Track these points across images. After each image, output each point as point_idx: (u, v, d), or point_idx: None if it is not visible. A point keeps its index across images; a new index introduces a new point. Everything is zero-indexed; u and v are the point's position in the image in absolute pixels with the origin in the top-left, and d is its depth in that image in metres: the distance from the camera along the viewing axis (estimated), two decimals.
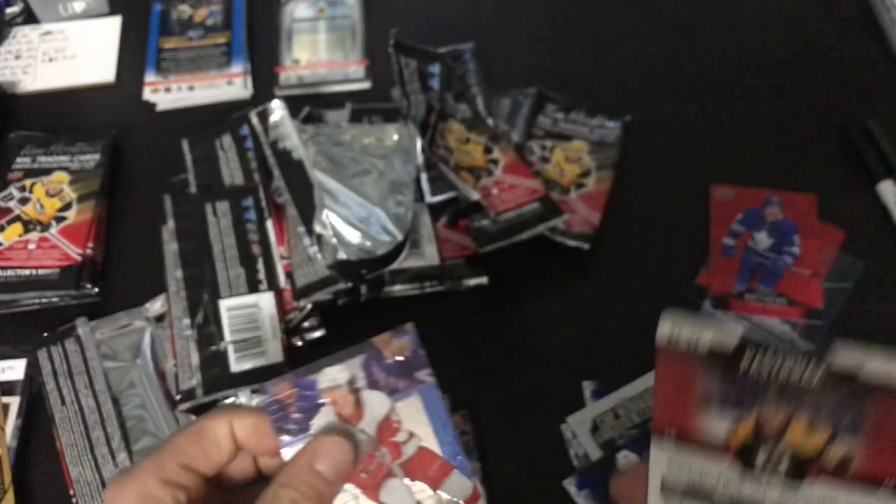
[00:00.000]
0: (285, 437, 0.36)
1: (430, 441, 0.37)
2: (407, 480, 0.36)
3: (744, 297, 0.60)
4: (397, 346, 0.38)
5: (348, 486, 0.36)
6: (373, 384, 0.37)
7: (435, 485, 0.36)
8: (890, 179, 0.65)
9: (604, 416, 0.55)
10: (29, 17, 0.78)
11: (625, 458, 0.54)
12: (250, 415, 0.35)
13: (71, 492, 0.54)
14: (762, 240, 0.63)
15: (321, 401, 0.37)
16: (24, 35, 0.77)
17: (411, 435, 0.37)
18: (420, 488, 0.36)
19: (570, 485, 0.53)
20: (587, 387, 0.57)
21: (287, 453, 0.36)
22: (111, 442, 0.55)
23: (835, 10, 0.77)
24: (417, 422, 0.37)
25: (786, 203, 0.64)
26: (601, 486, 0.53)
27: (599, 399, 0.56)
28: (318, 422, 0.37)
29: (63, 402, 0.56)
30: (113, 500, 0.32)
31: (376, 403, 0.37)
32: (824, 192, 0.65)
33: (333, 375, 0.38)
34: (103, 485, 0.54)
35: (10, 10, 0.77)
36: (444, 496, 0.36)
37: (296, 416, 0.37)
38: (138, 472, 0.33)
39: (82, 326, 0.59)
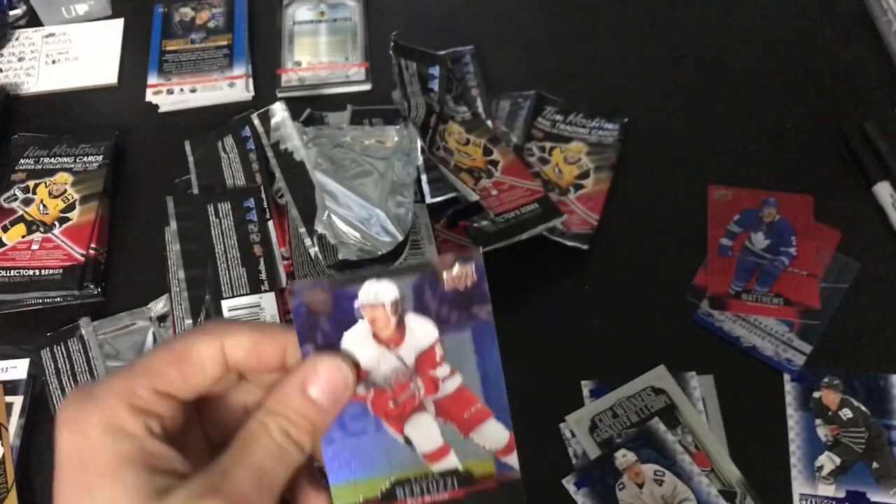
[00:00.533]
0: (309, 347, 0.31)
1: (473, 383, 0.33)
2: (439, 419, 0.33)
3: (741, 298, 0.60)
4: (459, 273, 0.33)
5: (372, 413, 0.32)
6: (421, 310, 0.33)
7: (468, 429, 0.33)
8: (886, 181, 0.65)
9: (602, 415, 0.56)
10: (32, 20, 0.78)
11: (623, 456, 0.54)
12: (248, 332, 0.30)
13: None
14: (759, 240, 0.63)
15: (358, 316, 0.32)
16: (27, 37, 0.77)
17: (453, 371, 0.33)
18: (450, 429, 0.33)
19: (568, 483, 0.53)
20: (586, 386, 0.58)
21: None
22: None
23: (832, 13, 0.78)
24: (464, 361, 0.33)
25: (783, 204, 0.65)
26: (599, 484, 0.53)
27: (598, 398, 0.57)
28: (350, 338, 0.32)
29: None
30: (71, 424, 0.27)
31: (421, 331, 0.33)
32: (821, 194, 0.65)
33: (377, 291, 0.33)
34: None
35: (13, 13, 0.78)
36: (476, 442, 0.33)
37: (326, 327, 0.32)
38: (104, 395, 0.27)
39: (85, 326, 0.59)
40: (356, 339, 0.32)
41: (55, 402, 0.57)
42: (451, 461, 0.33)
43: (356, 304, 0.32)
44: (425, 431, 0.33)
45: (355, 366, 0.31)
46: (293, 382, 0.29)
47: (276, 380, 0.30)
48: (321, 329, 0.32)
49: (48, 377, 0.58)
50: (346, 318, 0.32)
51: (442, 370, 0.33)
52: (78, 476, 0.27)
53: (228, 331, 0.29)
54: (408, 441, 0.33)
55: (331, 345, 0.31)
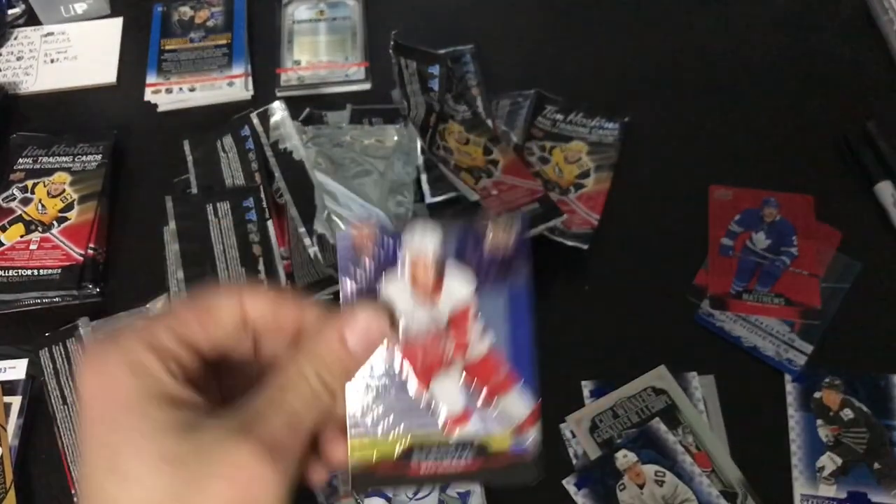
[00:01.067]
0: (348, 281, 0.32)
1: (503, 348, 0.33)
2: (465, 384, 0.33)
3: (742, 298, 0.60)
4: (503, 236, 0.33)
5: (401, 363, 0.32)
6: (462, 265, 0.33)
7: (493, 395, 0.33)
8: (887, 181, 0.65)
9: (603, 416, 0.56)
10: (31, 19, 0.78)
11: (624, 456, 0.54)
12: (268, 294, 0.30)
13: (73, 491, 0.54)
14: (760, 240, 0.63)
15: (400, 261, 0.32)
16: (25, 36, 0.77)
17: (485, 334, 0.33)
18: (474, 398, 0.33)
19: (569, 483, 0.53)
20: (586, 386, 0.57)
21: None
22: None
23: (833, 13, 0.77)
24: (497, 324, 0.33)
25: (784, 204, 0.65)
26: (600, 484, 0.53)
27: (598, 398, 0.57)
28: (389, 283, 0.33)
29: (65, 402, 0.57)
30: (94, 365, 0.28)
31: (458, 285, 0.33)
32: (822, 194, 0.65)
33: (423, 238, 0.33)
34: None
35: (11, 12, 0.78)
36: (497, 413, 0.33)
37: (367, 265, 0.32)
38: (126, 338, 0.28)
39: (84, 326, 0.59)
40: (394, 285, 0.32)
41: (54, 403, 0.57)
42: (471, 429, 0.32)
43: (400, 249, 0.32)
44: (450, 391, 0.32)
45: (390, 313, 0.32)
46: (332, 328, 0.30)
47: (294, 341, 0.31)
48: (363, 265, 0.32)
49: (46, 378, 0.58)
50: (388, 259, 0.32)
51: (474, 331, 0.33)
52: (104, 413, 0.27)
53: (249, 291, 0.30)
54: (430, 404, 0.32)
55: (369, 283, 0.32)
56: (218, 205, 0.62)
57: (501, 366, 0.33)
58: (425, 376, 0.33)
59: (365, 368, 0.32)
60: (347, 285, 0.32)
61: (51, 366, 0.58)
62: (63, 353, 0.58)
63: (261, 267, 0.59)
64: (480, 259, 0.33)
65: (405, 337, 0.33)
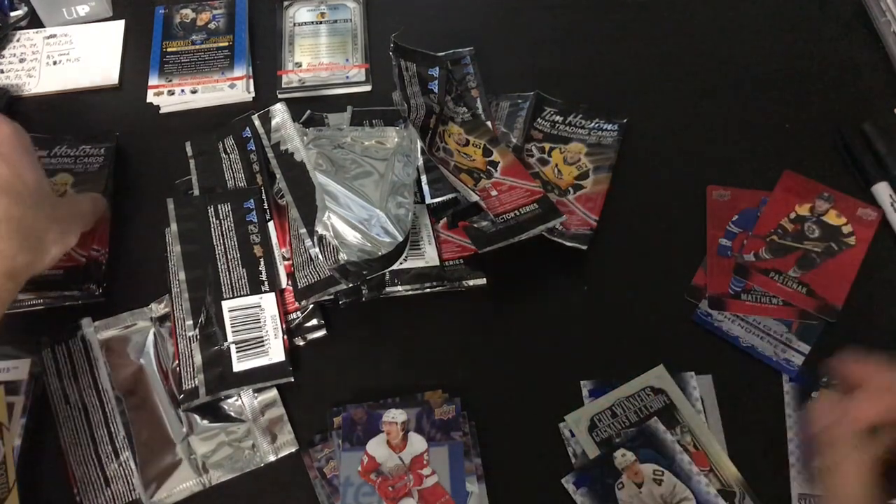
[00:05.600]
0: (347, 445, 0.54)
1: (445, 482, 0.52)
2: (418, 503, 0.51)
3: (740, 298, 0.61)
4: (445, 409, 0.55)
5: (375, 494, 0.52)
6: (419, 429, 0.54)
7: None
8: (885, 181, 0.65)
9: (601, 415, 0.56)
10: (33, 21, 0.79)
11: (622, 455, 0.54)
12: None
13: (74, 490, 0.54)
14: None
15: (381, 429, 0.54)
16: (28, 38, 0.77)
17: (433, 472, 0.52)
18: None
19: (568, 482, 0.54)
20: (585, 385, 0.58)
21: (346, 459, 0.53)
22: (115, 440, 0.55)
23: (830, 14, 0.78)
24: (441, 465, 0.53)
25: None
26: (599, 483, 0.53)
27: (597, 398, 0.57)
28: (373, 442, 0.54)
29: (67, 402, 0.57)
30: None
31: (417, 442, 0.54)
32: None
33: (394, 415, 0.55)
34: (107, 483, 0.54)
35: (14, 14, 0.78)
36: None
37: (359, 433, 0.54)
38: None
39: (86, 327, 0.59)
40: (375, 443, 0.54)
41: (57, 402, 0.57)
42: None
43: (380, 421, 0.55)
44: None
45: (373, 459, 0.53)
46: None
47: None
48: (357, 433, 0.54)
49: (49, 377, 0.58)
50: (373, 428, 0.54)
51: (426, 470, 0.53)
52: None
53: None
54: None
55: (360, 444, 0.54)
56: (219, 206, 0.63)
57: (444, 494, 0.52)
58: (394, 501, 0.52)
59: (355, 493, 0.52)
60: (347, 447, 0.54)
61: (53, 366, 0.58)
62: (65, 353, 0.59)
63: (261, 268, 0.60)
64: (431, 426, 0.54)
65: (381, 474, 0.53)
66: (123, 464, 0.55)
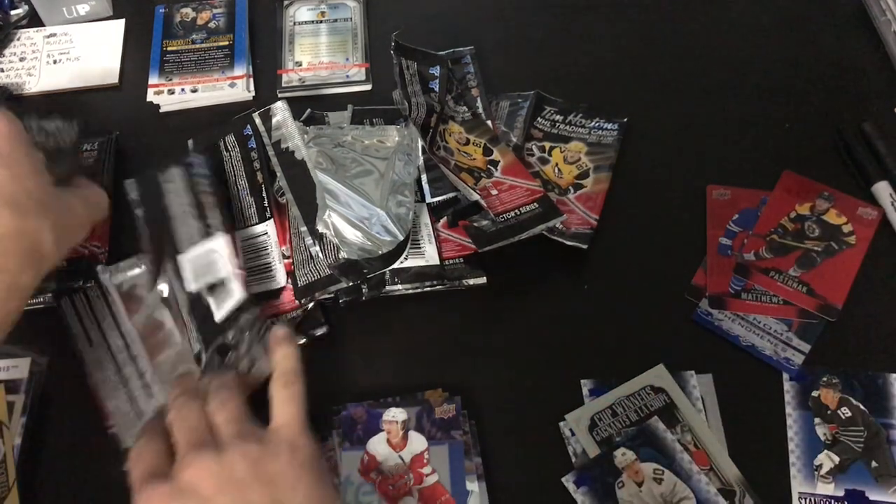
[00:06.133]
0: (347, 444, 0.53)
1: (445, 480, 0.52)
2: (418, 502, 0.51)
3: (740, 297, 0.61)
4: (446, 408, 0.54)
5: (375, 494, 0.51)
6: (419, 428, 0.53)
7: None
8: (885, 181, 0.65)
9: (602, 414, 0.56)
10: (33, 20, 0.79)
11: (622, 454, 0.54)
12: None
13: (109, 423, 0.54)
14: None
15: (381, 428, 0.54)
16: (28, 37, 0.77)
17: (434, 471, 0.52)
18: None
19: (568, 481, 0.54)
20: (585, 385, 0.58)
21: (347, 458, 0.53)
22: (144, 376, 0.56)
23: (831, 14, 0.78)
24: (441, 464, 0.52)
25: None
26: (599, 482, 0.53)
27: (597, 397, 0.57)
28: (373, 441, 0.53)
29: (91, 344, 0.58)
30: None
31: (417, 441, 0.53)
32: None
33: (395, 414, 0.54)
34: (139, 416, 0.54)
35: (14, 13, 0.78)
36: None
37: (359, 432, 0.54)
38: None
39: (102, 273, 0.59)
40: (376, 442, 0.53)
41: (81, 349, 0.58)
42: None
43: (381, 420, 0.54)
44: None
45: (373, 458, 0.53)
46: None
47: None
48: (357, 432, 0.54)
49: (70, 321, 0.58)
50: (373, 427, 0.54)
51: (426, 469, 0.52)
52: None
53: None
54: None
55: (360, 443, 0.53)
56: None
57: (444, 493, 0.51)
58: (393, 501, 0.51)
59: (356, 492, 0.52)
60: (347, 446, 0.53)
61: (73, 311, 0.59)
62: (84, 299, 0.59)
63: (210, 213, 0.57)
64: (431, 425, 0.54)
65: (381, 473, 0.52)
66: (156, 397, 0.55)
